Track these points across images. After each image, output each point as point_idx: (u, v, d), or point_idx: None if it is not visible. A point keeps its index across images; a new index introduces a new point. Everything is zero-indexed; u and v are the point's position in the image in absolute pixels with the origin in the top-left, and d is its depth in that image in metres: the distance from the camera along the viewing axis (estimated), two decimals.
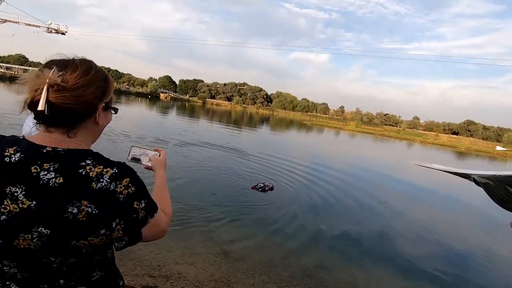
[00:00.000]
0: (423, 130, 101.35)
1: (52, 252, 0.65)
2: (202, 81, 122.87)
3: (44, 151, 0.68)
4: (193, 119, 26.68)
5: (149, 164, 1.03)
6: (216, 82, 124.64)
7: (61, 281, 0.69)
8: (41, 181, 0.65)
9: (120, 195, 0.69)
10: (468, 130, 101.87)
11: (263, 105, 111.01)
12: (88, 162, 0.69)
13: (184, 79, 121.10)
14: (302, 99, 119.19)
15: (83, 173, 0.67)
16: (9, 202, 0.64)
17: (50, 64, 0.70)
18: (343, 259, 3.92)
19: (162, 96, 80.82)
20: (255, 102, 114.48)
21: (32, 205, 0.63)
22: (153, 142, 10.30)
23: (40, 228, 0.63)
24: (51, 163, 0.66)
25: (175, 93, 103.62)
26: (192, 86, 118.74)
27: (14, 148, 0.68)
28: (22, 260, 0.66)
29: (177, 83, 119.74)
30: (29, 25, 42.31)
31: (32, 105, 0.67)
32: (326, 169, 10.24)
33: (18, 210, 0.63)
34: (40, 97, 0.65)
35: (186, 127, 17.90)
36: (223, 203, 5.27)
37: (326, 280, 3.32)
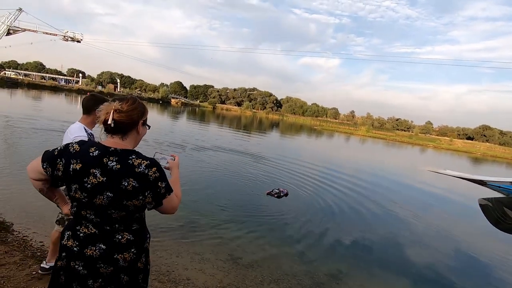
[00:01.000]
0: (437, 135, 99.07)
1: (113, 207, 1.18)
2: (212, 86, 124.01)
3: (110, 149, 1.21)
4: (204, 124, 26.92)
5: (167, 166, 1.48)
6: (226, 87, 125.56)
7: (116, 225, 1.21)
8: (109, 167, 1.17)
9: (150, 177, 1.20)
10: (484, 135, 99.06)
11: (272, 110, 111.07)
12: (133, 156, 1.21)
13: (195, 84, 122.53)
14: (312, 104, 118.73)
15: (130, 162, 1.19)
16: (92, 178, 1.16)
17: (114, 99, 1.26)
18: (354, 268, 3.84)
19: (173, 101, 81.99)
20: (265, 107, 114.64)
21: (104, 179, 1.16)
22: (169, 147, 10.60)
23: (107, 193, 1.16)
24: (114, 157, 1.19)
25: (186, 98, 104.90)
26: (203, 91, 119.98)
27: (94, 147, 1.21)
28: (97, 211, 1.19)
29: (188, 88, 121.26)
30: (46, 33, 43.77)
31: (105, 122, 1.20)
32: (338, 174, 10.12)
33: (96, 182, 1.16)
34: (109, 117, 1.19)
35: (198, 132, 18.07)
36: (235, 209, 5.28)
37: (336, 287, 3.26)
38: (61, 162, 1.21)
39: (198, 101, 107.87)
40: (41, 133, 9.76)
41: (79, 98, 39.69)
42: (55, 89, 53.25)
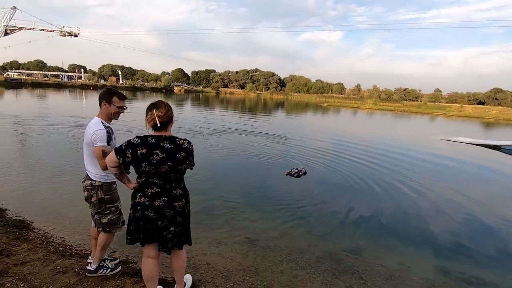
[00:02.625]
0: (446, 102, 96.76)
1: (172, 172, 1.92)
2: (214, 71, 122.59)
3: (163, 136, 1.92)
4: (210, 109, 26.81)
5: None
6: (228, 71, 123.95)
7: (173, 184, 1.96)
8: (165, 147, 1.89)
9: (190, 149, 1.97)
10: (496, 99, 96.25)
11: (276, 90, 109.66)
12: (177, 139, 1.94)
13: (196, 70, 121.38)
14: (316, 81, 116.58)
15: (178, 142, 1.93)
16: (155, 156, 1.86)
17: (151, 106, 1.94)
18: (372, 243, 3.83)
19: (176, 89, 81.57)
20: (269, 88, 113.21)
21: (164, 155, 1.88)
22: (186, 133, 10.96)
23: (168, 163, 1.88)
24: (167, 141, 1.91)
25: (188, 85, 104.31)
26: (205, 76, 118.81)
27: (150, 138, 1.90)
28: (160, 176, 1.91)
29: (190, 75, 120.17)
30: (43, 30, 43.37)
31: (153, 124, 1.92)
32: (351, 149, 10.03)
33: (159, 158, 1.87)
34: (156, 121, 1.90)
35: (208, 117, 18.02)
36: (250, 191, 5.31)
37: (355, 264, 3.26)
38: (129, 152, 1.89)
39: (201, 87, 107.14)
40: (57, 128, 9.86)
41: (83, 93, 39.82)
42: (58, 86, 53.46)
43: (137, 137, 1.93)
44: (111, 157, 1.94)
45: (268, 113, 28.50)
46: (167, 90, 74.04)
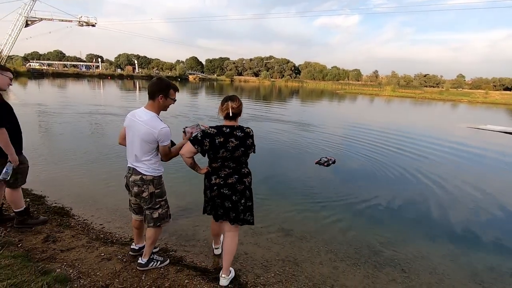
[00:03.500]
0: (470, 88, 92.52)
1: (243, 155, 2.26)
2: (228, 59, 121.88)
3: (235, 126, 2.23)
4: (222, 97, 26.73)
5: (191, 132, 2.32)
6: (242, 58, 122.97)
7: (243, 165, 2.32)
8: (238, 135, 2.21)
9: (253, 136, 2.31)
10: None
11: (291, 77, 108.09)
12: (245, 128, 2.28)
13: (210, 58, 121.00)
14: (332, 67, 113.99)
15: (247, 131, 2.27)
16: (231, 143, 2.18)
17: (227, 98, 2.25)
18: (411, 235, 3.70)
19: (190, 77, 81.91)
20: (283, 75, 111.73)
21: (238, 142, 2.20)
22: (210, 121, 10.90)
23: (241, 148, 2.21)
24: (238, 130, 2.22)
25: (203, 73, 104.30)
26: (219, 64, 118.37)
27: (224, 128, 2.20)
28: (234, 159, 2.24)
29: (204, 63, 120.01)
30: (62, 20, 44.11)
31: (226, 114, 2.22)
32: (375, 136, 9.78)
33: (234, 144, 2.18)
34: (229, 111, 2.19)
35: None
36: (278, 180, 5.25)
37: (395, 257, 3.16)
38: (206, 141, 2.18)
39: (215, 75, 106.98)
40: (82, 118, 10.10)
41: (101, 83, 40.59)
42: (77, 76, 54.71)
43: (211, 127, 2.23)
44: (188, 148, 2.21)
45: (285, 100, 28.15)
46: (182, 79, 74.45)
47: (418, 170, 6.47)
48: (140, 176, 2.30)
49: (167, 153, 2.30)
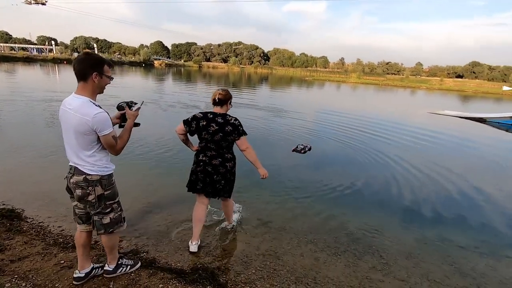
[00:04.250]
0: (427, 76, 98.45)
1: (222, 141, 2.54)
2: (195, 44, 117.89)
3: (218, 113, 2.55)
4: (197, 84, 25.88)
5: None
6: (210, 44, 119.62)
7: (224, 150, 2.59)
8: (218, 121, 2.51)
9: (237, 123, 2.54)
10: (473, 72, 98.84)
11: (260, 64, 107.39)
12: (228, 116, 2.56)
13: (177, 43, 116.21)
14: (300, 54, 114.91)
15: (228, 118, 2.53)
16: (212, 128, 2.50)
17: (217, 89, 2.59)
18: (386, 220, 3.77)
19: (156, 63, 78.20)
20: (252, 62, 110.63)
21: (217, 127, 2.50)
22: (184, 108, 11.31)
23: (220, 133, 2.50)
24: (220, 117, 2.52)
25: (169, 59, 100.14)
26: (186, 50, 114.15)
27: (209, 113, 2.54)
28: (215, 143, 2.54)
29: (170, 48, 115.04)
30: None
31: (213, 100, 2.57)
32: (347, 122, 9.96)
33: (214, 129, 2.50)
34: (216, 97, 2.54)
35: (196, 92, 17.34)
36: (251, 170, 5.09)
37: (373, 243, 3.18)
38: (193, 123, 2.51)
39: (182, 60, 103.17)
40: (33, 106, 9.09)
41: (56, 68, 37.29)
42: (28, 60, 49.69)
43: (200, 112, 2.57)
44: (180, 127, 2.57)
45: (255, 87, 27.87)
46: (147, 64, 70.80)
47: (388, 154, 6.68)
48: (84, 176, 1.89)
49: (111, 144, 1.89)
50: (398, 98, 29.08)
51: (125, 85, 20.02)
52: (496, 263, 3.03)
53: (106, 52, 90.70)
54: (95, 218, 2.02)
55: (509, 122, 13.25)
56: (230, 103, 2.62)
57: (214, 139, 2.52)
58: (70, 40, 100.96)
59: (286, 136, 7.97)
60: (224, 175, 2.65)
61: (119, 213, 2.12)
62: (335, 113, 12.91)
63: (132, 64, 67.77)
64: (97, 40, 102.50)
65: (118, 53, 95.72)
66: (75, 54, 75.31)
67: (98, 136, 1.85)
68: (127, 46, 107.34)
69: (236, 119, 2.55)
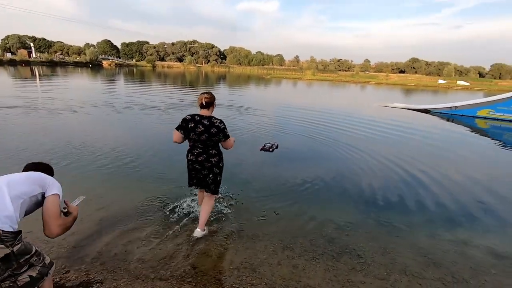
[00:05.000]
0: (374, 72, 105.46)
1: (208, 140, 2.82)
2: (148, 43, 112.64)
3: (204, 116, 2.83)
4: (153, 84, 24.50)
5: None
6: (164, 42, 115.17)
7: (210, 147, 2.87)
8: (204, 123, 2.79)
9: (222, 126, 2.83)
10: (413, 68, 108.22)
11: (217, 63, 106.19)
12: (214, 118, 2.83)
13: (127, 42, 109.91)
14: (256, 53, 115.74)
15: (213, 121, 2.81)
16: (198, 129, 2.77)
17: (202, 93, 2.87)
18: (358, 215, 3.73)
19: (105, 63, 73.14)
20: (209, 61, 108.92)
21: (203, 129, 2.78)
22: (142, 110, 10.47)
23: (205, 134, 2.78)
24: (206, 119, 2.80)
25: (119, 58, 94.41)
26: (137, 49, 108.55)
27: (197, 116, 2.82)
28: (202, 142, 2.83)
29: (120, 47, 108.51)
30: None
31: (200, 104, 2.84)
32: (309, 118, 10.02)
33: (200, 130, 2.78)
34: (203, 101, 2.83)
35: (152, 92, 16.28)
36: (226, 172, 4.77)
37: (349, 242, 3.10)
38: (183, 125, 2.81)
39: (134, 60, 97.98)
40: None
41: None
42: None
43: (188, 115, 2.84)
44: (177, 135, 2.86)
45: (214, 86, 27.28)
46: (94, 65, 65.82)
47: (350, 146, 6.81)
48: None
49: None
50: (351, 93, 30.58)
51: (73, 87, 18.22)
52: (463, 249, 3.13)
53: (46, 52, 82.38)
54: (7, 283, 1.51)
55: (449, 112, 14.56)
56: (214, 105, 2.93)
57: (201, 139, 2.81)
58: (1, 39, 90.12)
59: (253, 133, 7.82)
60: (211, 169, 2.93)
61: (41, 264, 1.68)
62: (297, 109, 13.09)
63: (77, 64, 62.52)
64: (34, 39, 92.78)
65: (60, 53, 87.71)
66: (8, 55, 67.40)
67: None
68: (71, 46, 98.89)
69: (221, 122, 2.84)
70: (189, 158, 2.93)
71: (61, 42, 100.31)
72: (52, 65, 54.13)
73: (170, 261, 2.60)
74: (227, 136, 2.86)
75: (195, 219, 3.30)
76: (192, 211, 3.48)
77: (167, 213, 3.43)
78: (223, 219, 3.41)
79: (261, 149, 4.30)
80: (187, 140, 2.91)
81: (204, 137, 2.79)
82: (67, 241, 2.80)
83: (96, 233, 2.99)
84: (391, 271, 2.68)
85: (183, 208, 3.55)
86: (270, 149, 4.24)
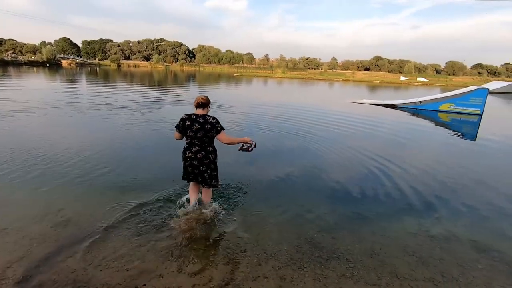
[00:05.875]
0: (341, 69, 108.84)
1: (204, 137, 3.09)
2: (111, 41, 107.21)
3: (199, 114, 3.11)
4: (119, 84, 23.14)
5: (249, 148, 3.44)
6: (129, 40, 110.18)
7: (206, 144, 3.15)
8: (199, 121, 3.07)
9: (214, 121, 3.10)
10: (377, 65, 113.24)
11: (186, 61, 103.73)
12: (207, 116, 3.12)
13: (88, 40, 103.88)
14: (226, 51, 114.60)
15: (207, 118, 3.10)
16: (194, 127, 3.05)
17: (198, 96, 3.19)
18: (339, 215, 3.60)
19: (64, 62, 68.57)
20: (177, 59, 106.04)
21: (199, 126, 3.06)
22: (111, 110, 9.71)
23: (201, 131, 3.06)
24: (200, 117, 3.08)
25: (80, 57, 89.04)
26: (100, 47, 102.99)
27: (193, 115, 3.11)
28: (198, 139, 3.10)
29: (80, 45, 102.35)
30: None
31: (197, 104, 3.14)
32: (285, 115, 9.89)
33: (196, 128, 3.06)
34: (199, 101, 3.12)
35: (119, 92, 15.27)
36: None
37: (335, 246, 2.94)
38: (181, 123, 3.09)
39: (96, 59, 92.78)
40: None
41: None
42: None
43: (185, 114, 3.13)
44: (176, 134, 3.19)
45: (183, 85, 26.45)
46: (52, 64, 61.37)
47: (323, 141, 6.76)
48: None
49: None
50: (321, 90, 31.16)
51: (31, 87, 16.62)
52: (447, 245, 3.09)
53: None
54: None
55: (414, 106, 15.22)
56: (209, 106, 3.20)
57: (197, 135, 3.07)
58: None
59: (230, 132, 7.47)
60: (209, 165, 3.20)
61: None
62: (272, 106, 12.93)
63: (32, 64, 57.91)
64: None
65: (12, 52, 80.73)
66: None
67: None
68: (24, 44, 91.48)
69: (214, 118, 3.12)
70: (187, 155, 3.14)
71: (13, 40, 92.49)
72: (4, 65, 49.63)
73: (139, 280, 2.26)
74: (220, 130, 3.09)
75: (162, 230, 2.96)
76: (156, 219, 3.14)
77: (136, 223, 3.06)
78: (200, 227, 3.10)
79: (240, 149, 4.04)
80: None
81: (200, 134, 3.06)
82: (13, 270, 2.35)
83: (52, 254, 2.56)
84: (382, 274, 2.55)
85: (151, 220, 3.19)
86: (249, 149, 3.99)
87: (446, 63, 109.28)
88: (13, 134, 6.60)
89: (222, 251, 2.75)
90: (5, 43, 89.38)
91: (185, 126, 3.05)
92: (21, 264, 2.43)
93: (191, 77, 43.06)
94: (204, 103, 3.11)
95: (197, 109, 3.12)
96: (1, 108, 9.34)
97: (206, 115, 3.11)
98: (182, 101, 14.49)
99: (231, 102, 14.38)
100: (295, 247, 2.89)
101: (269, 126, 8.70)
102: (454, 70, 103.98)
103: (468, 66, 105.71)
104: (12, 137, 6.31)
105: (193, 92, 20.59)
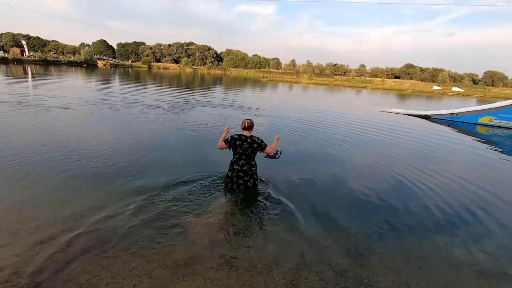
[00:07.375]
0: (370, 77, 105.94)
1: (251, 153, 3.93)
2: (144, 43, 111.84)
3: (247, 136, 3.93)
4: (151, 85, 23.87)
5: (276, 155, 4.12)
6: (160, 44, 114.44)
7: (251, 159, 3.99)
8: (248, 141, 3.89)
9: (258, 141, 3.92)
10: (408, 73, 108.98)
11: (214, 65, 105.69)
12: (254, 137, 3.94)
13: (123, 42, 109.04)
14: (253, 55, 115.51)
15: (254, 139, 3.92)
16: (244, 145, 3.87)
17: (245, 119, 4.01)
18: (367, 238, 3.24)
19: (100, 63, 72.32)
20: (205, 63, 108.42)
21: (248, 145, 3.87)
22: (146, 108, 9.68)
23: (249, 149, 3.89)
24: (249, 138, 3.90)
25: (115, 59, 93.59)
26: (133, 50, 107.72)
27: (243, 136, 3.92)
28: (246, 155, 3.92)
29: (115, 47, 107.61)
30: None
31: (244, 126, 3.95)
32: (317, 120, 9.56)
33: (245, 146, 3.87)
34: (246, 125, 3.93)
35: (153, 93, 15.71)
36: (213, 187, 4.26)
37: (363, 273, 2.60)
38: (232, 142, 3.86)
39: (129, 61, 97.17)
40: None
41: None
42: None
43: (236, 134, 3.85)
44: (222, 144, 3.84)
45: (210, 88, 26.77)
46: (89, 65, 64.95)
47: (360, 151, 6.35)
48: None
49: None
50: (349, 97, 30.26)
51: (69, 84, 17.54)
52: (498, 284, 2.65)
53: (40, 51, 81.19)
54: None
55: (450, 118, 14.24)
56: (253, 128, 3.93)
57: (246, 153, 3.83)
58: None
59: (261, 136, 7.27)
60: (252, 175, 3.93)
61: None
62: (303, 110, 12.58)
63: (71, 64, 61.62)
64: (28, 38, 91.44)
65: (54, 52, 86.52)
66: (0, 53, 66.19)
67: None
68: (66, 45, 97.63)
69: (258, 138, 3.87)
70: (235, 167, 3.90)
71: (56, 41, 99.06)
72: (46, 64, 53.18)
73: None
74: (264, 148, 3.87)
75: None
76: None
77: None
78: (214, 243, 2.88)
79: (266, 156, 4.00)
80: (222, 149, 3.92)
81: (249, 152, 3.83)
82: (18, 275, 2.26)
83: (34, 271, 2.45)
84: None
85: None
86: (276, 156, 3.95)
87: (484, 73, 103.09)
88: (49, 127, 6.81)
89: (236, 271, 2.51)
90: (48, 44, 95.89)
91: (236, 144, 3.81)
92: (29, 268, 2.34)
93: (217, 80, 43.62)
94: (250, 126, 3.88)
95: (244, 130, 3.87)
96: (42, 103, 9.81)
97: (252, 136, 3.87)
98: (213, 102, 14.82)
99: (261, 105, 14.22)
100: (317, 273, 2.58)
101: (300, 131, 8.40)
102: (493, 81, 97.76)
103: (510, 77, 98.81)
104: (49, 129, 6.50)
105: (219, 94, 20.70)
